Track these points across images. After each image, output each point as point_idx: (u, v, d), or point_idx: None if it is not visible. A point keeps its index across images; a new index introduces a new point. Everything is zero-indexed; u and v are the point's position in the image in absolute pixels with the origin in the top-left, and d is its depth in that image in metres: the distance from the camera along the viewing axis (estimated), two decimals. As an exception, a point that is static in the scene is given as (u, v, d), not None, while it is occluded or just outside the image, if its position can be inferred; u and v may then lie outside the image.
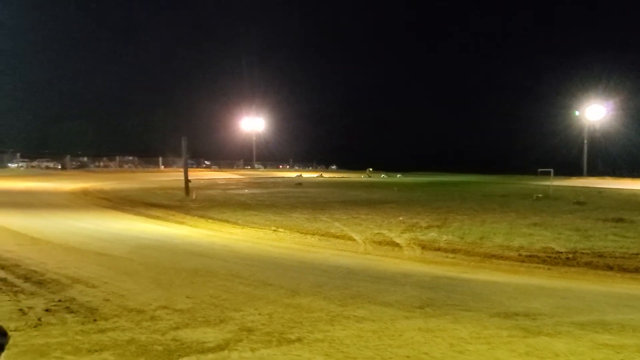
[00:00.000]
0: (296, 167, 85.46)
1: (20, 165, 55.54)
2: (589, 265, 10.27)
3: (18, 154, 57.05)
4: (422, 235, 13.16)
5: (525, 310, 6.72)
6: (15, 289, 7.14)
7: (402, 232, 13.63)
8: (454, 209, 19.16)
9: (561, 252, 11.02)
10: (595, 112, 74.28)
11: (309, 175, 61.49)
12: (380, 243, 12.62)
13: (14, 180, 36.17)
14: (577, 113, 75.86)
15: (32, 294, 6.95)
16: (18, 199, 23.38)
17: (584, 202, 23.86)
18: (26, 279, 7.79)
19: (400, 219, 16.16)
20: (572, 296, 7.81)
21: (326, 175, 63.89)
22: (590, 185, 42.89)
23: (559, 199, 26.26)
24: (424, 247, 12.03)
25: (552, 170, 33.56)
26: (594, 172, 68.69)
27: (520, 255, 11.00)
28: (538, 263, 10.55)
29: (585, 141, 73.75)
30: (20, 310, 6.06)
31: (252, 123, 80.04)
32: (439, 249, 11.78)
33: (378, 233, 13.62)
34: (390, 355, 4.88)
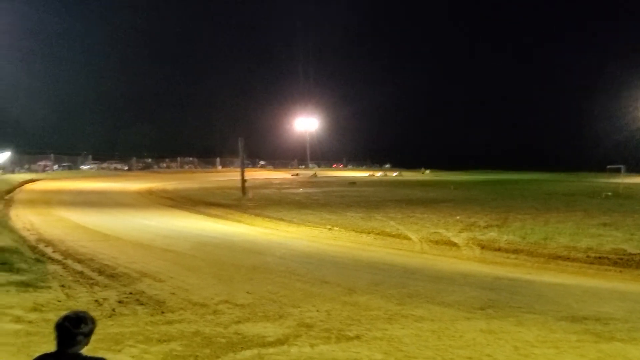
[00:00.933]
0: (350, 166, 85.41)
1: (92, 167, 59.41)
2: (667, 268, 9.52)
3: (90, 157, 61.11)
4: (481, 234, 12.75)
5: (596, 314, 6.36)
6: (91, 281, 7.68)
7: (459, 232, 13.28)
8: (515, 208, 18.39)
9: (634, 254, 10.29)
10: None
11: (362, 174, 61.29)
12: (437, 242, 12.37)
13: (87, 181, 38.73)
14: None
15: (105, 286, 7.44)
16: (91, 198, 25.02)
17: (660, 200, 22.10)
18: (100, 272, 8.35)
19: (458, 218, 15.74)
20: (649, 301, 7.29)
21: (379, 174, 63.25)
22: (668, 183, 39.67)
23: (631, 197, 24.49)
24: (483, 247, 11.66)
25: (622, 167, 31.39)
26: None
27: (588, 256, 10.40)
28: (608, 265, 9.92)
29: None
30: (96, 301, 6.50)
31: (306, 123, 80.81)
32: (499, 249, 11.37)
33: (434, 232, 13.35)
34: (451, 356, 4.79)
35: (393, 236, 13.28)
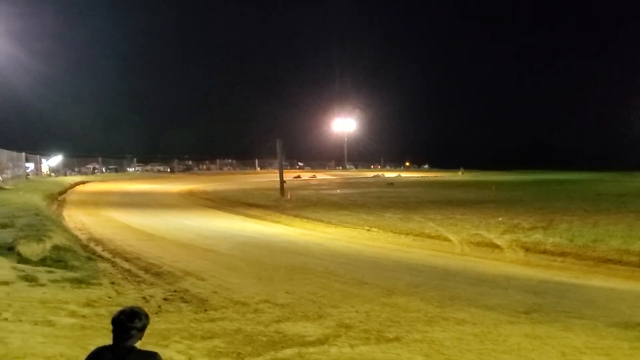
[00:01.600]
0: (387, 167, 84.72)
1: (136, 169, 61.75)
2: None
3: (134, 159, 63.52)
4: (525, 236, 12.35)
5: (651, 321, 6.05)
6: (138, 279, 7.99)
7: (502, 233, 12.91)
8: (561, 210, 17.68)
9: (694, 258, 9.70)
10: None
11: (395, 174, 60.69)
12: (478, 244, 12.09)
13: (132, 182, 40.27)
14: None
15: (152, 284, 7.72)
16: (136, 199, 26.00)
17: None
18: (146, 270, 8.67)
19: (500, 219, 15.31)
20: None
21: (411, 174, 62.33)
22: None
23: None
24: (527, 249, 11.30)
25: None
26: None
27: (642, 260, 9.88)
28: (665, 270, 9.40)
29: None
30: (144, 298, 6.76)
31: (343, 124, 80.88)
32: (544, 252, 10.99)
33: (475, 234, 13.05)
34: (495, 360, 4.68)
35: (432, 238, 13.08)
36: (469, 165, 70.72)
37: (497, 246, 11.72)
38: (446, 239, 12.73)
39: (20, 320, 5.05)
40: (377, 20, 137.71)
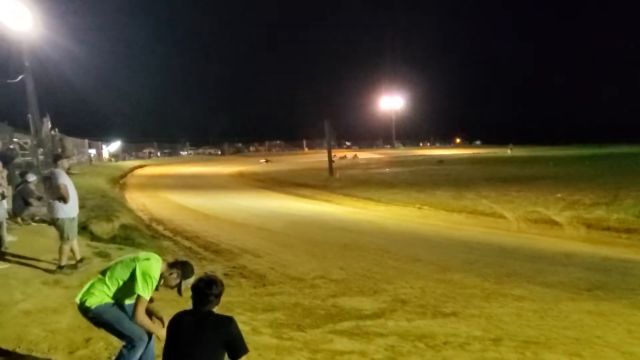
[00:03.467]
0: (437, 145, 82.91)
1: (189, 152, 64.09)
2: None
3: (187, 143, 65.93)
4: (587, 213, 11.81)
5: None
6: (199, 256, 8.40)
7: (561, 210, 12.41)
8: (626, 185, 16.66)
9: None
10: None
11: (451, 152, 59.21)
12: (535, 221, 11.71)
13: (185, 165, 41.83)
14: None
15: (212, 260, 8.10)
16: (190, 181, 27.04)
17: None
18: (205, 248, 9.08)
19: (559, 195, 14.69)
20: None
21: (462, 151, 60.46)
22: None
23: None
24: (589, 226, 10.82)
25: None
26: None
27: None
28: None
29: None
30: (205, 273, 7.11)
31: (391, 102, 79.51)
32: (608, 229, 10.48)
33: (533, 211, 12.62)
34: (556, 336, 4.60)
35: (487, 215, 12.79)
36: (519, 142, 67.87)
37: (556, 223, 11.30)
38: (501, 216, 12.41)
39: (99, 292, 5.48)
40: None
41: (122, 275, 3.19)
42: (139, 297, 3.15)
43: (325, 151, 30.27)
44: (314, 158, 49.54)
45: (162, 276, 3.25)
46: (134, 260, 3.24)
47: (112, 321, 3.21)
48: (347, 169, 30.78)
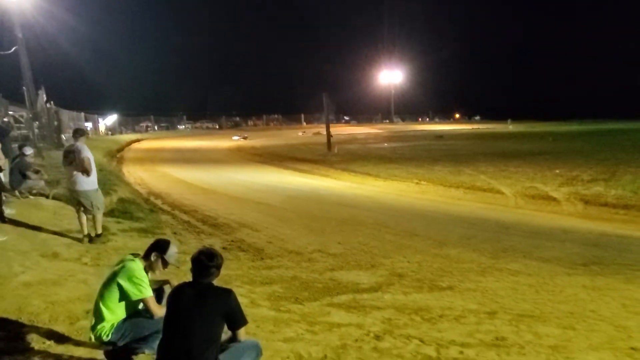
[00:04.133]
0: (436, 120, 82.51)
1: (186, 126, 63.63)
2: None
3: (184, 117, 65.36)
4: (585, 189, 11.84)
5: None
6: (197, 229, 8.42)
7: (559, 186, 12.44)
8: (625, 161, 16.68)
9: None
10: None
11: (451, 127, 58.96)
12: (533, 197, 11.74)
13: (183, 139, 41.59)
14: None
15: (210, 234, 8.13)
16: (187, 155, 26.94)
17: None
18: (203, 222, 9.10)
19: (557, 171, 14.71)
20: None
21: (461, 127, 60.07)
22: None
23: None
24: (587, 202, 10.86)
25: None
26: None
27: None
28: None
29: None
30: (204, 247, 7.15)
31: (390, 76, 78.62)
32: (605, 205, 10.52)
33: (530, 186, 12.65)
34: (551, 310, 4.66)
35: (484, 190, 12.81)
36: (518, 117, 67.51)
37: (553, 199, 11.34)
38: (499, 192, 12.44)
39: (98, 265, 5.51)
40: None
41: (114, 296, 3.14)
42: (143, 299, 3.16)
43: (323, 125, 30.09)
44: (311, 132, 49.31)
45: (148, 268, 3.25)
46: (114, 276, 3.16)
47: (136, 336, 3.16)
48: (345, 144, 30.68)
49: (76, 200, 6.43)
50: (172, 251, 3.29)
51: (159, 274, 3.34)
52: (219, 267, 2.85)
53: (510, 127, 55.09)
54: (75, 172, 6.30)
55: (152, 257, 3.25)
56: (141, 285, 3.13)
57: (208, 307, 2.70)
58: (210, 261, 2.80)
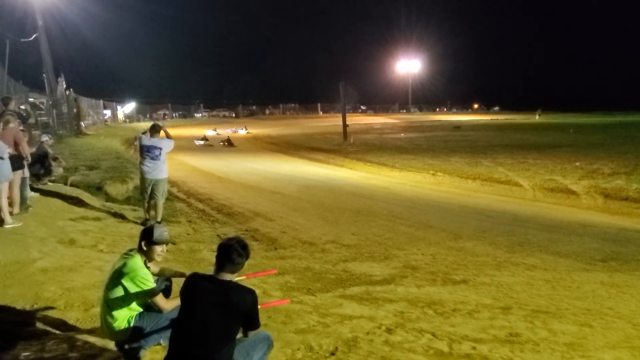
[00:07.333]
0: (454, 110, 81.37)
1: (203, 114, 63.91)
2: None
3: (201, 105, 65.65)
4: (605, 182, 11.57)
5: None
6: (212, 218, 8.47)
7: (579, 179, 12.18)
8: (648, 154, 16.26)
9: None
10: None
11: (469, 118, 58.07)
12: (552, 190, 11.52)
13: (200, 127, 41.82)
14: None
15: (224, 223, 8.17)
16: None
17: None
18: (218, 210, 9.15)
19: (577, 164, 14.40)
20: None
21: (480, 117, 59.00)
22: None
23: None
24: (607, 195, 10.61)
25: None
26: None
27: None
28: None
29: None
30: (218, 235, 7.18)
31: (408, 65, 77.56)
32: (626, 199, 10.27)
33: (549, 179, 12.41)
34: (567, 306, 4.57)
35: (502, 183, 12.62)
36: (547, 107, 65.94)
37: (573, 192, 11.11)
38: (517, 184, 12.24)
39: (113, 252, 5.58)
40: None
41: (119, 291, 3.10)
42: (149, 293, 3.12)
43: (340, 115, 29.92)
44: (328, 122, 49.11)
45: (147, 261, 3.21)
46: (117, 276, 3.12)
47: (154, 328, 3.14)
48: (361, 134, 30.49)
49: (150, 189, 7.15)
50: (159, 231, 3.18)
51: (160, 259, 3.29)
52: (247, 259, 2.66)
53: (537, 117, 53.91)
54: (156, 162, 7.20)
55: (144, 247, 3.18)
56: (145, 284, 3.09)
57: (231, 307, 2.54)
58: (244, 250, 2.62)
